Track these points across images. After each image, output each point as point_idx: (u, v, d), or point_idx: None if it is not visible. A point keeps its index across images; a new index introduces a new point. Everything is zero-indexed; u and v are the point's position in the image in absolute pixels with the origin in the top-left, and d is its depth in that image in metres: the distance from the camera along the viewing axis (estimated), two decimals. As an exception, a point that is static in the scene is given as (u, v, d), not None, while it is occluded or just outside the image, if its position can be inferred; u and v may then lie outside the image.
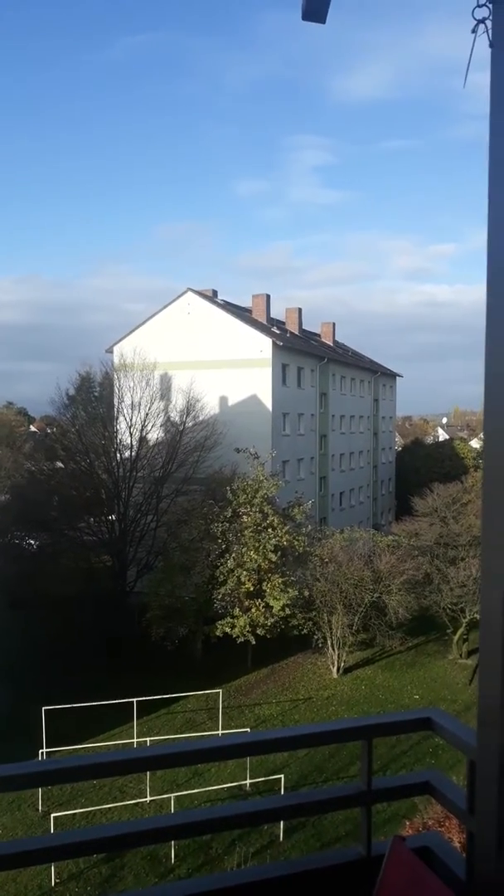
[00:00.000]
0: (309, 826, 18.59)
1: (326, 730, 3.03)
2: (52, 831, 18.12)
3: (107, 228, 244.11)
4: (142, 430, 36.33)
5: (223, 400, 41.33)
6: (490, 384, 2.36)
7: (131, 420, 36.28)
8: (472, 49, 2.31)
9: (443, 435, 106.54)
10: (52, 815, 18.64)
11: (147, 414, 36.66)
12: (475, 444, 76.18)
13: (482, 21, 2.29)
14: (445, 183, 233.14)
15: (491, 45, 2.30)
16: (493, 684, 2.38)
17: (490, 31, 2.29)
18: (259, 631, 29.09)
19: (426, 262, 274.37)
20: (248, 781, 20.88)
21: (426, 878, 2.43)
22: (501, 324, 2.31)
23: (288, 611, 29.08)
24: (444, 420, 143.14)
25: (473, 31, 2.29)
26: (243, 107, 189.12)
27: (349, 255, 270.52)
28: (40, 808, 19.84)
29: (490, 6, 2.28)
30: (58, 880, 16.63)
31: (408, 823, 14.02)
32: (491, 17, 2.29)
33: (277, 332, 44.72)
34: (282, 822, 18.17)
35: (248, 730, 24.76)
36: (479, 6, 2.29)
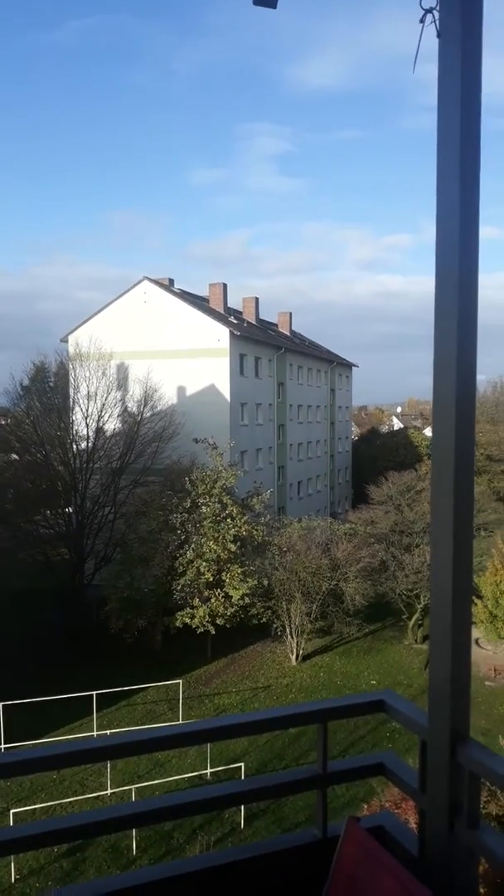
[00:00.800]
0: (269, 813, 18.77)
1: (283, 714, 3.07)
2: (11, 826, 17.94)
3: (55, 216, 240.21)
4: (98, 420, 35.96)
5: (181, 390, 41.14)
6: (438, 373, 2.42)
7: (87, 411, 35.88)
8: (420, 39, 2.33)
9: (398, 424, 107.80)
10: (12, 812, 18.44)
11: (104, 404, 36.29)
12: (428, 432, 77.31)
13: (429, 11, 2.29)
14: (401, 173, 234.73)
15: (438, 36, 2.30)
16: (443, 666, 2.45)
17: (437, 22, 2.29)
18: (219, 621, 29.15)
19: (382, 253, 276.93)
20: (208, 771, 20.97)
21: (380, 856, 2.49)
22: (448, 314, 2.35)
23: (247, 600, 29.19)
24: (399, 409, 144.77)
25: (422, 20, 2.30)
26: (196, 94, 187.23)
27: (306, 245, 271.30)
28: (-1, 803, 19.64)
29: None
30: (18, 876, 16.50)
31: (365, 806, 14.28)
32: (438, 8, 2.29)
33: (235, 321, 44.66)
34: (242, 810, 18.31)
35: (208, 718, 24.83)
36: None
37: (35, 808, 19.21)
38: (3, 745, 21.04)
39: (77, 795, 19.99)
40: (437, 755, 2.51)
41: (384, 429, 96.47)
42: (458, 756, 2.44)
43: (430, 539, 2.54)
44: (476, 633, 29.91)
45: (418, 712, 2.76)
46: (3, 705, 21.61)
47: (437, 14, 2.29)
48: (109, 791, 20.08)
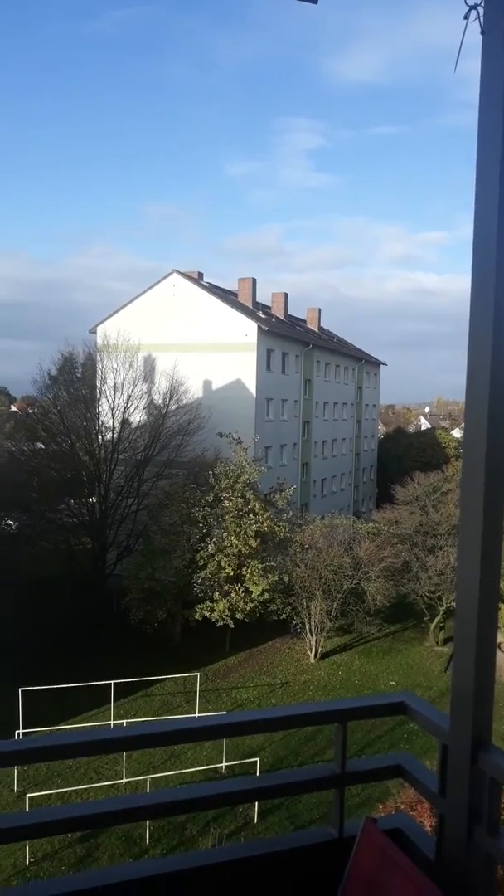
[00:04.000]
0: (283, 809, 18.78)
1: (302, 712, 3.06)
2: (27, 811, 18.16)
3: (95, 207, 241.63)
4: (124, 412, 36.14)
5: (207, 384, 41.22)
6: (472, 373, 2.38)
7: (114, 402, 36.08)
8: (464, 35, 2.30)
9: (425, 424, 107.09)
10: (28, 796, 18.68)
11: (130, 396, 36.47)
12: (457, 433, 76.70)
13: (474, 7, 2.28)
14: (438, 170, 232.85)
15: (482, 32, 2.29)
16: (466, 670, 2.42)
17: (482, 18, 2.28)
18: (238, 615, 29.22)
19: (416, 250, 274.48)
20: (223, 764, 21.04)
21: (397, 859, 2.47)
22: (485, 313, 2.33)
23: (267, 596, 29.21)
24: (427, 409, 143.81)
25: (465, 17, 2.28)
26: (234, 86, 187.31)
27: (339, 240, 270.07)
28: (15, 788, 19.86)
29: None
30: (32, 859, 16.69)
31: (380, 807, 14.24)
32: (483, 4, 2.27)
33: (263, 316, 44.60)
34: (256, 805, 18.35)
35: (225, 713, 24.93)
36: None
37: (51, 794, 19.42)
38: (21, 731, 21.28)
39: (92, 783, 20.17)
40: (458, 760, 2.48)
41: (411, 428, 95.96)
42: (479, 762, 2.41)
43: (458, 541, 2.51)
44: (500, 637, 29.63)
45: (440, 716, 2.74)
46: (22, 691, 21.84)
47: (481, 10, 2.27)
48: (124, 780, 20.23)
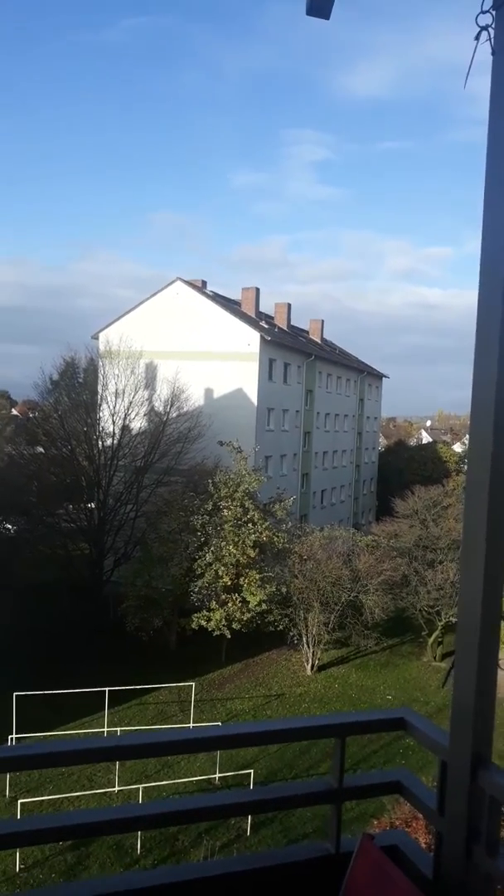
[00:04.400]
0: (276, 822, 18.65)
1: (300, 726, 3.03)
2: (18, 817, 18.05)
3: (100, 213, 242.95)
4: (125, 418, 36.17)
5: (208, 392, 41.25)
6: (478, 389, 2.38)
7: (115, 408, 36.10)
8: (474, 55, 2.32)
9: (426, 437, 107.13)
10: (20, 801, 18.57)
11: (131, 402, 36.50)
12: (458, 448, 76.73)
13: (485, 28, 2.32)
14: (444, 186, 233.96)
15: (493, 53, 2.33)
16: (467, 686, 2.39)
17: (493, 39, 2.32)
18: (235, 625, 29.11)
19: (421, 264, 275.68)
20: (217, 775, 20.90)
21: (394, 876, 2.44)
22: (491, 328, 2.33)
23: (264, 606, 29.11)
24: (428, 423, 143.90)
25: (476, 37, 2.32)
26: (243, 98, 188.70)
27: (344, 253, 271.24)
28: (7, 793, 19.75)
29: (493, 14, 2.31)
30: (22, 866, 16.57)
31: (375, 822, 14.13)
32: (494, 25, 2.31)
33: (266, 326, 44.69)
34: (249, 817, 18.22)
35: (220, 724, 24.80)
36: (482, 13, 2.31)
37: (42, 800, 19.30)
38: (14, 735, 21.18)
39: (84, 790, 20.05)
40: (458, 778, 2.46)
41: (412, 442, 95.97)
42: (479, 780, 2.38)
43: (461, 555, 2.50)
44: (501, 653, 29.53)
45: (439, 732, 2.71)
46: (16, 696, 21.74)
47: (492, 31, 2.31)
48: (117, 788, 20.10)
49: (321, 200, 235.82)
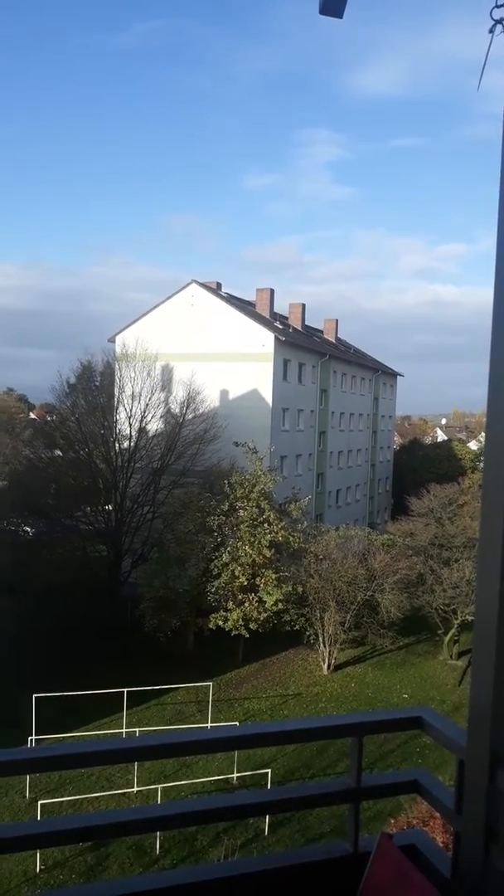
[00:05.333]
0: (294, 821, 18.66)
1: (318, 726, 3.04)
2: (38, 818, 18.17)
3: (115, 217, 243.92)
4: (141, 420, 36.31)
5: (223, 393, 41.30)
6: (494, 386, 2.37)
7: (131, 410, 36.25)
8: (489, 49, 2.30)
9: (441, 436, 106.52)
10: (40, 802, 18.69)
11: (147, 405, 36.63)
12: (473, 445, 76.22)
13: (500, 21, 2.27)
14: (458, 182, 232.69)
15: None
16: (485, 685, 2.39)
17: None
18: (251, 625, 29.14)
19: (435, 262, 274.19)
20: (235, 775, 20.95)
21: (412, 876, 2.45)
22: None
23: (281, 606, 29.12)
24: (444, 421, 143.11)
25: (491, 31, 2.28)
26: (255, 99, 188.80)
27: (358, 252, 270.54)
28: (28, 794, 19.89)
29: None
30: (43, 867, 16.69)
31: (392, 821, 14.09)
32: None
33: (280, 326, 44.69)
34: (267, 817, 18.23)
35: (237, 723, 24.83)
36: (497, 6, 2.26)
37: (62, 801, 19.43)
38: (34, 737, 21.31)
39: (104, 791, 20.15)
40: (476, 777, 2.45)
41: (427, 440, 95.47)
42: (497, 779, 2.38)
43: (478, 552, 2.49)
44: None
45: (457, 731, 2.71)
46: (36, 697, 21.88)
47: None
48: (136, 789, 20.19)
49: (335, 200, 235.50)
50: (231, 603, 29.39)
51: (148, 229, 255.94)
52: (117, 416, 36.67)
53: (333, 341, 58.66)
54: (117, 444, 35.97)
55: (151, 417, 36.90)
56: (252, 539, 29.54)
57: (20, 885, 16.15)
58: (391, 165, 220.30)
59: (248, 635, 29.49)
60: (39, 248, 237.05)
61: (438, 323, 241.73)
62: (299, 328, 51.05)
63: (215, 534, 30.29)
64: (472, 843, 2.46)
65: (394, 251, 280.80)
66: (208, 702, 25.55)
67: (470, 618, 30.64)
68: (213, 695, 26.01)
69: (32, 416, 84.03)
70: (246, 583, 29.30)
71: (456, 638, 32.78)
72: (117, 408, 36.90)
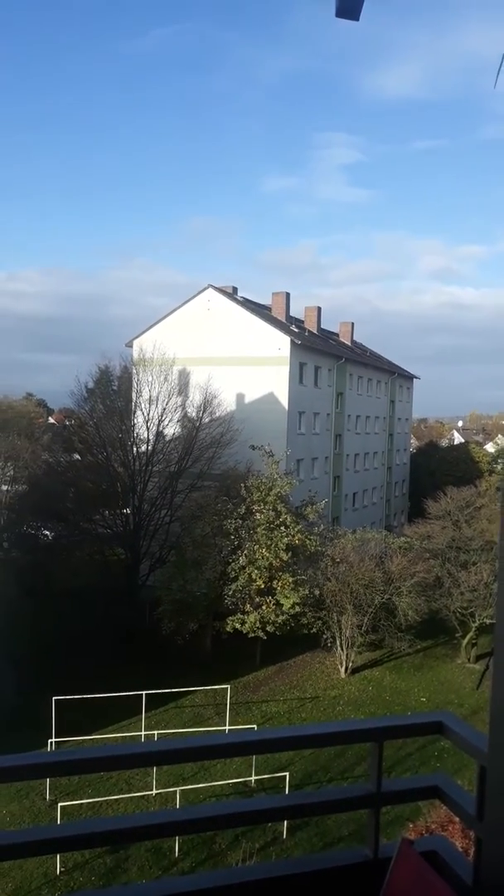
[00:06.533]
0: (312, 825, 18.67)
1: (338, 730, 3.05)
2: (58, 821, 18.30)
3: (133, 222, 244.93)
4: (158, 424, 36.45)
5: (240, 397, 41.39)
6: None
7: (148, 414, 36.41)
8: None
9: (458, 438, 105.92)
10: (60, 805, 18.82)
11: (164, 409, 36.78)
12: (490, 448, 75.71)
13: None
14: (476, 183, 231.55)
15: None
16: None
17: None
18: (269, 628, 29.17)
19: (454, 263, 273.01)
20: (252, 778, 20.98)
21: (434, 883, 2.47)
22: None
23: (298, 609, 29.13)
24: (460, 423, 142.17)
25: None
26: (272, 102, 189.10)
27: (375, 255, 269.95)
28: (48, 797, 20.04)
29: None
30: (63, 869, 16.81)
31: (411, 826, 14.09)
32: None
33: (296, 330, 44.70)
34: (286, 821, 18.25)
35: (255, 726, 24.85)
36: None
37: (82, 804, 19.55)
38: (54, 740, 21.47)
39: (123, 793, 20.26)
40: (498, 782, 2.46)
41: (444, 442, 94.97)
42: None
43: (498, 555, 2.49)
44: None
45: (478, 736, 2.71)
46: (55, 700, 22.04)
47: None
48: (154, 791, 20.28)
49: (352, 203, 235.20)
50: (248, 606, 29.45)
51: (167, 233, 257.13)
52: (135, 421, 36.84)
53: (349, 344, 58.58)
54: (135, 448, 36.14)
55: (168, 421, 37.04)
56: (269, 542, 29.58)
57: (41, 888, 16.29)
58: (409, 167, 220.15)
59: (265, 638, 29.51)
60: (60, 254, 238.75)
61: (456, 325, 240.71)
62: (315, 331, 51.03)
63: (232, 537, 30.36)
64: (493, 850, 2.48)
65: (411, 253, 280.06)
66: (226, 705, 25.61)
67: (488, 621, 30.47)
68: (230, 698, 26.04)
69: (51, 420, 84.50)
70: (263, 586, 29.34)
71: (474, 641, 32.61)
72: (135, 412, 37.08)
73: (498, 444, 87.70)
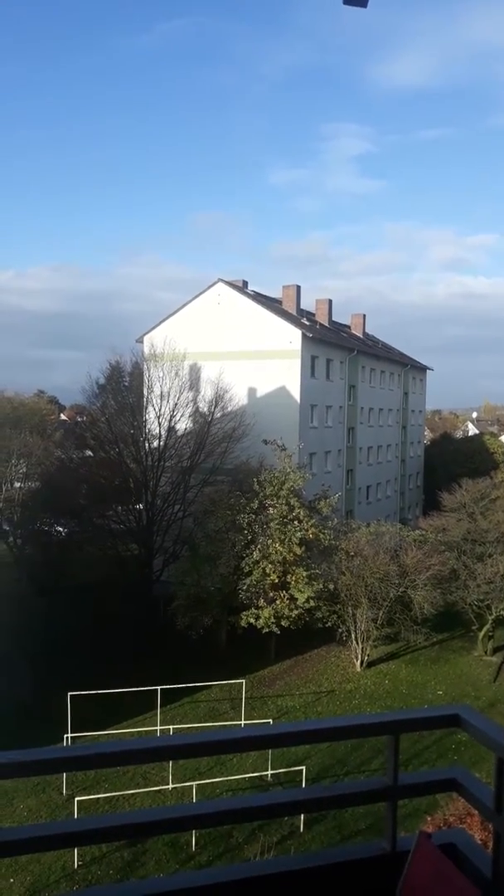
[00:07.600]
0: (329, 818, 18.64)
1: (353, 724, 3.02)
2: (75, 815, 18.38)
3: (141, 217, 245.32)
4: (170, 419, 36.47)
5: (252, 391, 41.31)
6: None
7: (160, 410, 36.43)
8: None
9: (472, 429, 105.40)
10: (76, 799, 18.91)
11: (176, 404, 36.79)
12: (505, 439, 75.20)
13: None
14: (488, 172, 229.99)
15: None
16: None
17: None
18: (283, 622, 29.15)
19: (465, 253, 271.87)
20: (269, 772, 20.98)
21: (452, 876, 2.42)
22: None
23: (312, 603, 29.08)
24: (475, 415, 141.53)
25: None
26: (280, 94, 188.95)
27: (386, 245, 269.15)
28: (64, 791, 20.13)
29: None
30: (80, 863, 16.88)
31: (429, 819, 14.01)
32: None
33: (307, 323, 44.55)
34: (303, 815, 18.23)
35: (271, 721, 24.86)
36: None
37: (98, 798, 19.62)
38: (70, 735, 21.56)
39: (139, 788, 20.32)
40: None
41: (458, 434, 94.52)
42: None
43: None
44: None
45: (496, 729, 2.67)
46: (71, 696, 22.12)
47: None
48: (171, 786, 20.32)
49: (361, 194, 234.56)
50: (262, 600, 29.42)
51: (176, 228, 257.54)
52: (146, 416, 36.88)
53: (361, 336, 58.34)
54: (147, 444, 36.18)
55: (180, 416, 37.04)
56: (282, 536, 29.52)
57: (59, 881, 16.36)
58: (418, 157, 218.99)
59: (279, 632, 29.50)
60: (70, 251, 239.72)
61: (468, 315, 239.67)
62: (326, 324, 50.85)
63: (245, 532, 30.33)
64: None
65: (423, 243, 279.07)
66: (241, 699, 25.62)
67: (505, 613, 30.35)
68: (246, 692, 26.06)
69: (63, 417, 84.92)
70: (277, 580, 29.30)
71: (490, 634, 32.45)
72: (146, 407, 37.12)
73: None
